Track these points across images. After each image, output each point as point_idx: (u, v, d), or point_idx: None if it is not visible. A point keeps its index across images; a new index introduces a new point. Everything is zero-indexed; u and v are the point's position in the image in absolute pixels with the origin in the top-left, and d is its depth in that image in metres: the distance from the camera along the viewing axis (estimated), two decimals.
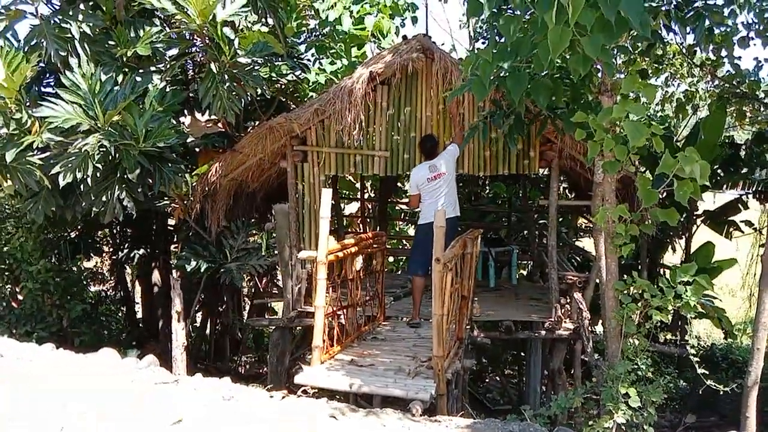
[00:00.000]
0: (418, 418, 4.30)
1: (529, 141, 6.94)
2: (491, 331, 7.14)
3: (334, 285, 5.70)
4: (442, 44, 9.08)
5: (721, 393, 4.70)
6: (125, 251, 9.72)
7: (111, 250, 10.26)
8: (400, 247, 11.87)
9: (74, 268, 8.47)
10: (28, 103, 5.86)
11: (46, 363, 4.99)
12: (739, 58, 7.78)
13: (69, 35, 6.02)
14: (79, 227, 8.84)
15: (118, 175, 5.99)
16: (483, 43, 11.13)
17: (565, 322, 6.94)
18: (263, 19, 7.60)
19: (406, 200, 11.38)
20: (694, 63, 10.38)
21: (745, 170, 9.58)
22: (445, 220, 4.81)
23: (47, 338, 7.13)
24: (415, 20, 9.40)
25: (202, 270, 7.32)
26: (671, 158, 3.85)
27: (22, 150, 5.64)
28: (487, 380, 12.04)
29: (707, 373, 4.62)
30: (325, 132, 7.17)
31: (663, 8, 5.09)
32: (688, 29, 5.30)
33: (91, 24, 6.14)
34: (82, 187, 5.97)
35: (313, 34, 9.32)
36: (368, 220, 12.03)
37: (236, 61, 6.16)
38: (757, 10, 6.52)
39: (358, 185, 12.16)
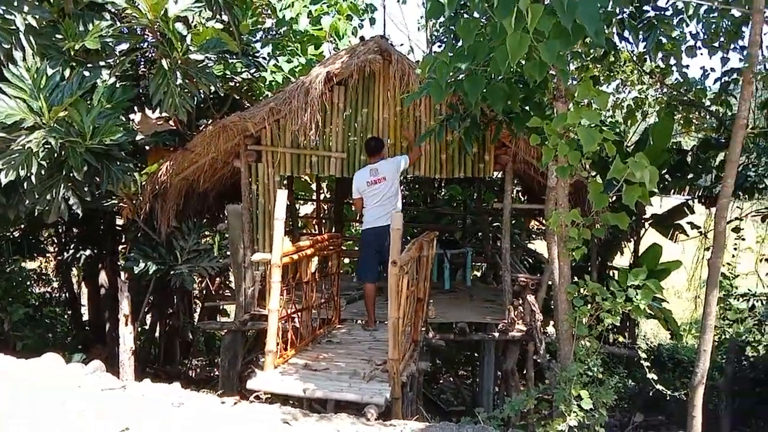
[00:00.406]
0: (373, 422, 4.27)
1: (484, 145, 6.99)
2: (446, 333, 7.16)
3: (288, 287, 5.63)
4: (401, 45, 9.09)
5: (671, 393, 4.81)
6: (71, 252, 9.40)
7: (56, 250, 9.92)
8: (356, 248, 11.82)
9: (16, 269, 8.14)
10: None
11: None
12: (687, 66, 8.03)
13: (13, 27, 5.76)
14: (22, 226, 8.51)
15: (64, 173, 5.77)
16: (440, 46, 11.18)
17: (518, 323, 7.01)
18: (218, 16, 7.45)
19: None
20: (644, 71, 10.66)
21: (691, 175, 9.87)
22: (394, 225, 4.79)
23: None
24: (373, 21, 9.38)
25: (151, 272, 7.12)
26: (621, 163, 3.92)
27: None
28: (441, 381, 12.10)
29: (656, 378, 4.72)
30: (280, 132, 7.07)
31: (617, 17, 5.19)
32: (640, 38, 5.42)
33: (37, 16, 5.89)
34: (25, 185, 5.73)
35: (269, 32, 9.20)
36: (323, 221, 11.95)
37: (188, 57, 6.02)
38: (705, 21, 6.74)
39: (313, 186, 12.07)
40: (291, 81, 7.86)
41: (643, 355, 4.76)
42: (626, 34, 5.44)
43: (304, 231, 11.48)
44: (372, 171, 6.49)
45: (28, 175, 5.47)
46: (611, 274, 10.58)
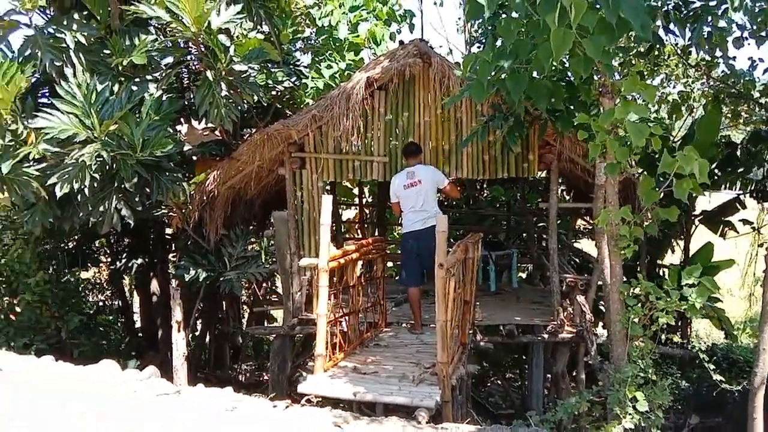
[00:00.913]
0: (424, 425, 4.27)
1: (527, 144, 6.91)
2: (493, 336, 7.11)
3: (335, 292, 5.67)
4: (439, 47, 9.08)
5: (728, 394, 4.67)
6: (123, 261, 9.65)
7: (109, 260, 10.20)
8: (399, 252, 11.83)
9: (72, 279, 8.41)
10: (23, 114, 5.81)
11: (46, 375, 4.93)
12: (734, 58, 7.79)
13: (64, 45, 5.98)
14: (76, 238, 8.78)
15: (116, 184, 5.95)
16: (479, 47, 11.13)
17: (567, 325, 6.91)
18: (258, 27, 7.58)
19: None
20: (689, 64, 10.41)
21: (741, 170, 9.59)
22: (439, 228, 4.77)
23: (46, 350, 7.05)
24: (412, 27, 9.38)
25: (201, 279, 7.27)
26: (670, 157, 3.84)
27: (18, 161, 5.59)
28: (488, 384, 12.00)
29: (722, 379, 4.58)
30: (323, 138, 7.13)
31: (662, 9, 5.08)
32: (686, 30, 5.29)
33: (85, 33, 6.10)
34: (79, 197, 5.93)
35: (309, 41, 9.30)
36: (366, 225, 11.99)
37: (232, 68, 6.13)
38: (753, 11, 6.53)
39: (355, 191, 12.13)
40: (332, 87, 7.92)
41: (705, 356, 4.62)
42: (671, 26, 5.32)
43: (348, 236, 11.55)
44: (409, 174, 6.49)
45: (82, 187, 5.66)
46: (661, 272, 10.34)
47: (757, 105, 9.63)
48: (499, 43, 4.83)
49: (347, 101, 6.85)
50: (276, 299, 10.92)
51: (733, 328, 10.22)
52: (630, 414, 4.09)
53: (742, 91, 9.26)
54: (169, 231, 9.46)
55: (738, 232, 10.06)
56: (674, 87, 11.98)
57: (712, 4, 5.64)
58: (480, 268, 8.40)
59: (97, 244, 9.83)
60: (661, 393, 4.32)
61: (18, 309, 8.02)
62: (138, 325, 11.08)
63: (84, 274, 9.65)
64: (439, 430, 4.10)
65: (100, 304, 10.55)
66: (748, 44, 6.92)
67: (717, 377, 4.55)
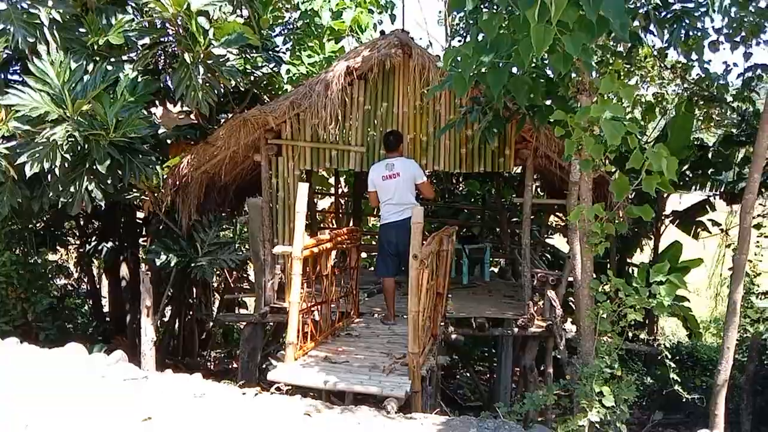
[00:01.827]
0: (393, 415, 4.28)
1: (505, 139, 6.96)
2: (464, 328, 7.15)
3: (308, 281, 5.65)
4: (420, 39, 9.07)
5: (689, 395, 4.76)
6: (93, 244, 9.50)
7: (78, 242, 10.03)
8: (374, 243, 11.84)
9: (40, 261, 8.25)
10: None
11: (10, 357, 4.85)
12: (709, 62, 7.91)
13: (38, 21, 5.84)
14: (44, 219, 8.61)
15: (87, 165, 5.84)
16: (460, 40, 11.14)
17: (537, 319, 6.98)
18: (238, 10, 7.48)
19: None
20: (665, 66, 10.55)
21: (712, 171, 9.77)
22: (414, 219, 4.78)
23: (11, 332, 6.92)
24: (393, 18, 9.35)
25: (173, 264, 7.19)
26: (640, 153, 3.89)
27: None
28: (458, 377, 12.10)
29: (678, 379, 4.67)
30: (300, 126, 7.09)
31: (641, 10, 5.13)
32: (665, 32, 5.36)
33: (61, 10, 5.96)
34: (49, 177, 5.83)
35: (288, 26, 9.22)
36: (342, 215, 11.97)
37: (211, 51, 6.05)
38: (730, 15, 6.64)
39: (331, 180, 12.09)
40: (311, 75, 7.87)
41: (668, 354, 4.71)
42: (651, 27, 5.38)
43: (322, 225, 11.52)
44: (388, 165, 6.48)
45: (53, 167, 5.56)
46: (630, 270, 10.50)
47: (730, 108, 9.81)
48: (480, 37, 4.84)
49: (326, 89, 6.81)
50: (247, 287, 10.86)
51: (698, 327, 10.44)
52: (596, 408, 4.15)
53: (715, 94, 9.42)
54: (140, 215, 9.33)
55: (710, 233, 10.26)
56: (648, 88, 12.14)
57: (690, 6, 5.72)
58: (453, 261, 8.45)
59: (66, 226, 9.65)
60: (627, 388, 4.38)
61: None
62: (106, 309, 10.93)
63: (52, 257, 9.48)
64: (408, 420, 4.12)
65: (68, 287, 10.37)
66: (724, 48, 7.05)
67: (673, 377, 4.64)
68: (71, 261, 10.65)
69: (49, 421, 3.53)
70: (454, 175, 11.90)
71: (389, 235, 6.48)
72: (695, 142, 10.06)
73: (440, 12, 12.76)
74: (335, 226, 11.56)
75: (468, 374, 11.83)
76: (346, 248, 6.83)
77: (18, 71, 6.66)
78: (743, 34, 6.86)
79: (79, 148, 5.64)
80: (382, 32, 7.47)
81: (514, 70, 4.63)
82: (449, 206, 12.03)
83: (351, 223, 11.13)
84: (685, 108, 9.22)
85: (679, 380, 4.76)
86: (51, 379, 4.29)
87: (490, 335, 7.49)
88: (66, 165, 5.67)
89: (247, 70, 8.10)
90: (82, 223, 9.72)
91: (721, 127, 10.96)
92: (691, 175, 9.77)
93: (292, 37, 8.83)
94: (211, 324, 11.43)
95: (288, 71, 8.44)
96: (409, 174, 6.43)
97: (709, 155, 9.74)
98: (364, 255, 10.90)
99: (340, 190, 12.15)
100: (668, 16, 5.35)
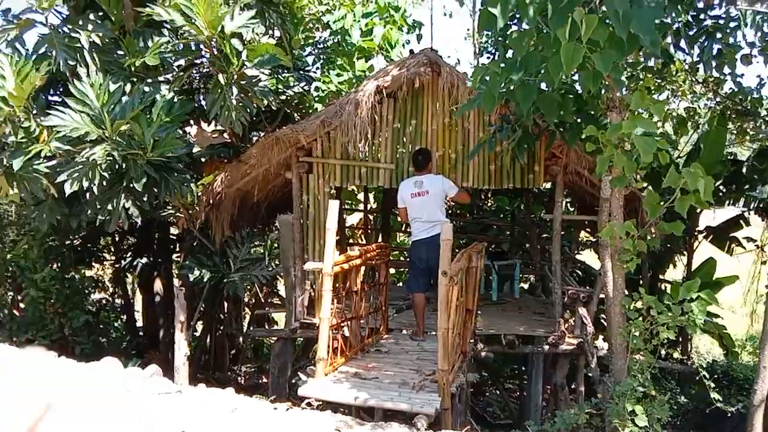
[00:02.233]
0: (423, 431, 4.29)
1: (533, 156, 6.95)
2: (493, 345, 7.12)
3: (338, 297, 5.70)
4: (448, 57, 9.14)
5: (727, 412, 4.68)
6: (128, 260, 9.70)
7: (113, 258, 10.25)
8: (402, 258, 11.87)
9: (77, 277, 8.45)
10: (35, 112, 5.88)
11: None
12: (742, 75, 7.83)
13: (78, 45, 6.06)
14: (82, 235, 8.83)
15: (124, 183, 6.00)
16: (488, 57, 11.19)
17: (568, 336, 6.92)
18: (270, 31, 7.64)
19: None
20: (697, 80, 10.45)
21: (747, 187, 9.61)
22: (444, 236, 4.81)
23: (48, 346, 7.10)
24: (420, 38, 9.45)
25: (206, 279, 7.31)
26: (676, 173, 3.87)
27: (29, 158, 5.66)
28: (487, 394, 12.00)
29: (719, 398, 4.58)
30: (330, 144, 7.18)
31: (672, 26, 5.12)
32: (695, 47, 5.34)
33: (100, 34, 6.19)
34: (87, 195, 5.99)
35: (319, 46, 9.37)
36: (371, 231, 12.03)
37: (244, 72, 6.19)
38: (761, 29, 6.59)
39: (360, 196, 12.17)
40: (341, 93, 7.98)
41: (705, 373, 4.63)
42: (682, 43, 5.37)
43: (352, 241, 11.58)
44: (417, 183, 6.53)
45: (91, 185, 5.72)
46: (663, 287, 10.35)
47: (764, 123, 9.67)
48: (509, 54, 4.88)
49: (356, 108, 6.90)
50: (278, 302, 10.96)
51: (734, 345, 10.21)
52: (628, 427, 4.11)
53: (749, 108, 9.30)
54: (174, 231, 9.50)
55: (745, 249, 10.08)
56: (680, 103, 12.01)
57: (721, 22, 5.69)
58: (483, 278, 8.43)
59: (102, 243, 9.88)
60: (660, 408, 4.33)
61: (22, 305, 8.07)
62: (139, 324, 11.12)
63: (88, 272, 9.70)
64: None
65: (103, 302, 10.58)
66: (757, 62, 6.97)
67: (714, 395, 4.55)
68: (107, 277, 10.87)
69: None
70: (484, 191, 11.89)
71: (419, 251, 6.51)
72: (729, 157, 9.92)
73: (468, 29, 12.86)
74: (364, 241, 11.62)
75: (498, 392, 11.73)
76: (375, 264, 6.88)
77: (59, 93, 6.88)
78: None
79: (117, 166, 5.80)
80: (411, 51, 7.56)
81: (543, 86, 4.66)
82: (478, 222, 12.01)
83: (380, 239, 11.17)
84: (718, 122, 9.11)
85: (720, 398, 4.67)
86: (87, 394, 4.39)
87: (520, 352, 7.44)
88: (104, 183, 5.83)
89: (279, 90, 8.26)
90: (117, 239, 9.94)
91: (755, 141, 10.80)
92: (724, 191, 9.62)
93: (322, 56, 8.97)
94: (242, 339, 11.54)
95: (317, 88, 8.56)
96: (438, 190, 6.47)
97: (743, 170, 9.59)
98: (392, 271, 10.94)
99: (369, 206, 12.23)
100: (699, 31, 5.33)
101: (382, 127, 7.18)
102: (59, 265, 8.34)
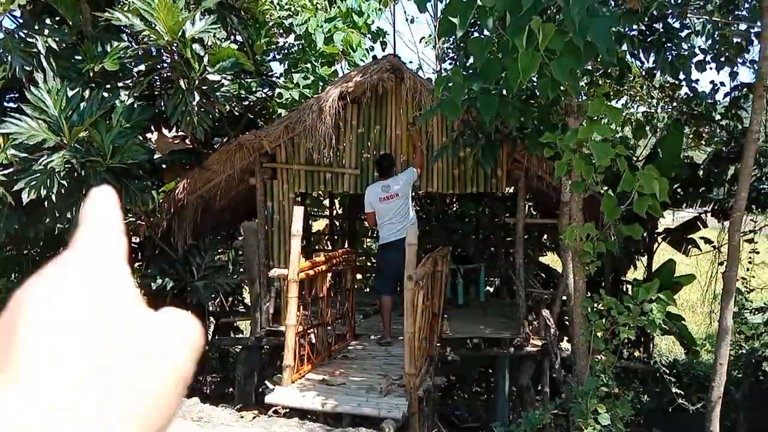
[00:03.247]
0: None
1: (496, 161, 7.04)
2: (460, 348, 7.18)
3: (304, 303, 5.68)
4: (410, 62, 9.19)
5: (688, 409, 4.80)
6: None
7: None
8: (369, 264, 11.88)
9: None
10: None
11: None
12: (697, 81, 8.08)
13: (35, 50, 5.93)
14: (41, 245, 8.61)
15: (84, 191, 5.88)
16: (450, 63, 11.28)
17: (532, 338, 7.01)
18: (232, 36, 7.59)
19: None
20: (654, 86, 10.70)
21: (703, 189, 9.87)
22: (409, 240, 4.84)
23: None
24: (384, 45, 9.48)
25: (169, 288, 7.20)
26: (631, 176, 3.97)
27: None
28: (455, 397, 12.05)
29: (681, 392, 4.70)
30: (294, 149, 7.17)
31: (628, 34, 5.25)
32: (650, 55, 5.48)
33: (57, 39, 6.06)
34: (46, 204, 5.85)
35: (282, 51, 9.31)
36: (336, 237, 12.01)
37: (206, 77, 6.14)
38: (712, 36, 6.80)
39: (326, 202, 12.14)
40: (305, 98, 7.96)
41: (666, 370, 4.74)
42: (637, 51, 5.50)
43: (317, 247, 11.54)
44: (384, 187, 6.55)
45: (49, 194, 5.59)
46: (624, 288, 10.54)
47: (718, 126, 9.96)
48: (471, 60, 4.94)
49: (320, 113, 6.89)
50: (243, 310, 10.84)
51: (694, 344, 10.46)
52: (592, 426, 4.18)
53: (704, 112, 9.57)
54: (135, 239, 9.34)
55: (701, 250, 10.33)
56: (638, 108, 12.28)
57: (674, 31, 5.86)
58: (448, 282, 8.49)
59: (61, 251, 9.65)
60: (623, 406, 4.42)
61: None
62: None
63: None
64: None
65: None
66: (710, 68, 7.20)
67: (675, 391, 4.67)
68: None
69: None
70: (448, 196, 11.97)
71: (389, 254, 6.52)
72: (685, 160, 10.18)
73: (429, 35, 12.94)
74: (330, 247, 11.59)
75: (465, 395, 11.81)
76: (341, 270, 6.87)
77: (13, 99, 6.72)
78: (727, 54, 7.01)
79: (75, 174, 5.69)
80: (374, 57, 7.58)
81: (504, 92, 4.73)
82: (443, 227, 12.08)
83: (346, 245, 11.16)
84: (675, 127, 9.34)
85: (682, 393, 4.78)
86: None
87: (486, 355, 7.51)
88: (62, 191, 5.71)
89: (242, 95, 8.18)
90: None
91: (711, 144, 11.10)
92: (682, 193, 9.86)
93: (286, 61, 8.93)
94: (207, 348, 11.38)
95: (280, 95, 8.52)
96: (405, 189, 6.51)
97: (700, 173, 9.85)
98: (359, 276, 10.94)
99: (334, 212, 12.21)
100: (654, 40, 5.47)
101: (347, 133, 7.19)
102: (17, 275, 8.12)
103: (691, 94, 8.77)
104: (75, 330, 0.33)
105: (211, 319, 11.63)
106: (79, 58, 6.19)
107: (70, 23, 6.34)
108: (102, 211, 0.42)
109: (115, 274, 0.38)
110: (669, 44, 5.46)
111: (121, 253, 0.41)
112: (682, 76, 7.77)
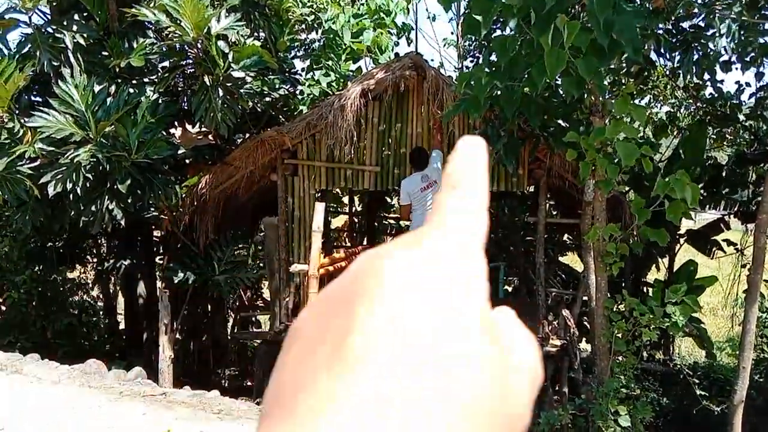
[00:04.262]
0: None
1: (518, 159, 7.01)
2: None
3: None
4: (432, 60, 9.18)
5: (708, 412, 4.75)
6: (111, 262, 9.62)
7: (96, 260, 10.16)
8: None
9: (59, 279, 8.38)
10: (19, 113, 5.83)
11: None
12: (722, 81, 7.97)
13: (62, 45, 6.03)
14: (64, 237, 8.76)
15: (108, 185, 5.97)
16: (472, 61, 11.25)
17: (552, 338, 6.98)
18: (256, 33, 7.64)
19: (396, 214, 11.47)
20: (678, 85, 10.59)
21: (726, 190, 9.75)
22: None
23: (31, 348, 7.03)
24: (410, 41, 9.48)
25: (190, 282, 7.28)
26: (664, 181, 3.93)
27: (12, 160, 5.61)
28: None
29: (705, 394, 4.66)
30: (316, 146, 7.19)
31: (654, 33, 5.20)
32: (675, 53, 5.43)
33: (84, 34, 6.15)
34: (71, 196, 5.95)
35: (305, 48, 9.36)
36: (355, 234, 12.04)
37: (230, 74, 6.19)
38: (737, 37, 6.70)
39: (345, 199, 12.18)
40: (327, 95, 7.99)
41: (689, 372, 4.70)
42: (662, 50, 5.45)
43: (336, 243, 11.59)
44: (423, 177, 6.53)
45: (75, 187, 5.68)
46: (645, 289, 10.45)
47: (743, 128, 9.83)
48: (493, 57, 4.93)
49: (341, 110, 6.91)
50: (263, 305, 10.93)
51: (714, 347, 10.35)
52: (612, 427, 4.17)
53: (728, 113, 9.46)
54: (157, 233, 9.44)
55: (725, 252, 10.21)
56: (661, 107, 12.15)
57: (701, 28, 5.79)
58: None
59: (84, 244, 9.79)
60: (643, 408, 4.40)
61: (3, 307, 7.99)
62: (122, 326, 11.03)
63: (70, 274, 9.62)
64: None
65: (86, 304, 10.49)
66: (736, 68, 7.11)
67: (699, 393, 4.63)
68: (89, 279, 10.77)
69: None
70: None
71: None
72: (709, 161, 10.06)
73: (452, 33, 12.91)
74: (349, 244, 11.63)
75: None
76: None
77: (42, 94, 6.83)
78: (753, 54, 6.91)
79: (101, 168, 5.77)
80: (397, 54, 7.59)
81: (527, 91, 4.70)
82: None
83: (365, 242, 11.18)
84: (698, 127, 9.24)
85: (706, 394, 4.74)
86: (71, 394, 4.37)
87: None
88: (87, 185, 5.79)
89: (264, 92, 8.23)
90: (100, 241, 9.86)
91: (734, 146, 10.96)
92: (705, 194, 9.75)
93: (309, 57, 8.97)
94: (227, 342, 11.48)
95: (301, 92, 8.56)
96: (440, 173, 6.50)
97: (723, 174, 9.73)
98: None
99: (354, 209, 12.24)
100: (680, 39, 5.42)
101: (368, 130, 7.20)
102: (41, 267, 8.26)
103: (716, 95, 8.66)
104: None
105: (231, 313, 11.75)
106: (106, 53, 6.28)
107: (97, 19, 6.43)
108: (470, 174, 0.37)
109: (474, 269, 0.32)
110: (695, 44, 5.40)
111: (483, 237, 0.35)
112: (706, 76, 7.70)
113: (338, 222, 13.50)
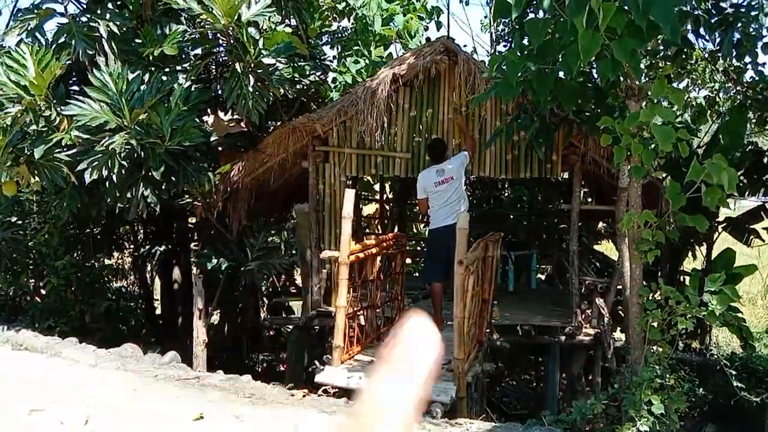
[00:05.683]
0: (439, 420, 4.31)
1: (552, 145, 6.89)
2: (510, 335, 7.11)
3: (354, 285, 5.72)
4: (464, 46, 9.08)
5: (746, 404, 4.64)
6: (147, 248, 9.80)
7: (132, 246, 10.36)
8: (419, 248, 11.86)
9: (97, 265, 8.56)
10: (55, 101, 5.94)
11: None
12: (764, 64, 7.71)
13: (97, 34, 6.11)
14: (102, 223, 8.94)
15: (143, 172, 6.06)
16: (505, 45, 11.11)
17: (585, 327, 6.89)
18: (287, 20, 7.64)
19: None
20: (717, 69, 10.28)
21: (767, 177, 9.46)
22: (460, 225, 4.80)
23: (69, 333, 7.21)
24: (439, 25, 9.39)
25: (223, 268, 7.36)
26: (699, 165, 3.82)
27: (50, 147, 5.72)
28: (503, 384, 11.99)
29: (743, 386, 4.55)
30: (346, 133, 7.19)
31: (692, 13, 5.05)
32: (715, 35, 5.26)
33: (118, 23, 6.23)
34: (107, 183, 6.05)
35: (336, 35, 9.34)
36: (386, 221, 12.04)
37: (261, 61, 6.20)
38: None
39: (376, 186, 12.18)
40: (358, 82, 7.96)
41: (727, 363, 4.59)
42: (701, 31, 5.29)
43: (368, 231, 11.61)
44: (439, 171, 6.47)
45: (110, 174, 5.77)
46: (681, 278, 10.25)
47: None
48: (526, 41, 4.83)
49: (372, 97, 6.89)
50: (294, 291, 11.02)
51: (753, 338, 10.10)
52: (645, 417, 4.09)
53: None
54: (192, 220, 9.58)
55: (764, 241, 9.93)
56: (699, 91, 11.84)
57: (742, 10, 5.58)
58: (499, 268, 8.40)
59: (121, 231, 9.98)
60: (678, 398, 4.31)
61: (43, 292, 8.20)
62: (158, 312, 11.24)
63: (107, 260, 9.82)
64: (453, 426, 4.14)
65: (122, 289, 10.71)
66: None
67: (737, 384, 4.52)
68: (126, 265, 10.99)
69: (105, 417, 3.68)
70: (500, 181, 11.83)
71: (441, 239, 6.44)
72: (749, 147, 9.77)
73: (485, 17, 12.76)
74: (380, 231, 11.63)
75: (514, 382, 11.72)
76: (391, 254, 6.88)
77: (78, 82, 6.95)
78: None
79: (135, 155, 5.85)
80: (428, 39, 7.52)
81: (561, 74, 4.60)
82: (495, 212, 11.95)
83: (396, 229, 11.17)
84: (738, 111, 8.96)
85: (743, 386, 4.62)
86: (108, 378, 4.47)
87: (536, 343, 7.43)
88: (123, 172, 5.88)
89: (295, 79, 8.24)
90: (136, 227, 10.04)
91: None
92: (745, 181, 9.48)
93: (339, 44, 8.96)
94: (260, 327, 11.63)
95: (334, 80, 8.55)
96: (460, 171, 6.42)
97: (764, 160, 9.44)
98: (408, 261, 10.94)
99: (385, 196, 12.23)
100: (720, 19, 5.24)
101: (398, 116, 7.17)
102: (80, 253, 8.45)
103: (757, 78, 8.38)
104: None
105: (263, 299, 11.88)
106: (139, 41, 6.34)
107: (131, 7, 6.50)
108: (410, 360, 0.79)
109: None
110: (736, 24, 5.21)
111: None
112: (747, 59, 7.44)
113: (369, 209, 13.52)
